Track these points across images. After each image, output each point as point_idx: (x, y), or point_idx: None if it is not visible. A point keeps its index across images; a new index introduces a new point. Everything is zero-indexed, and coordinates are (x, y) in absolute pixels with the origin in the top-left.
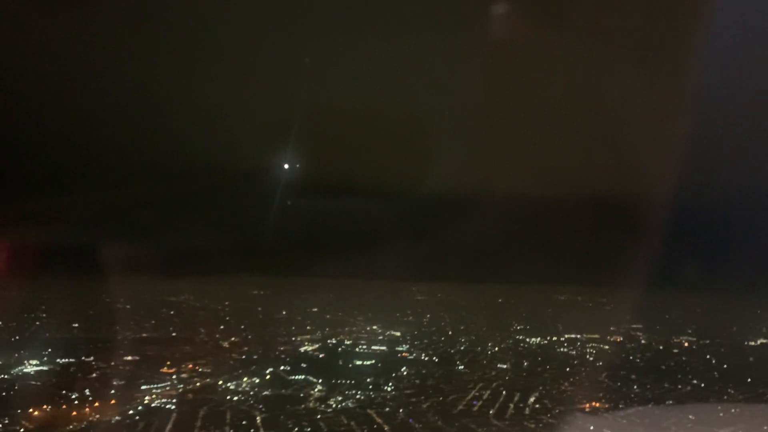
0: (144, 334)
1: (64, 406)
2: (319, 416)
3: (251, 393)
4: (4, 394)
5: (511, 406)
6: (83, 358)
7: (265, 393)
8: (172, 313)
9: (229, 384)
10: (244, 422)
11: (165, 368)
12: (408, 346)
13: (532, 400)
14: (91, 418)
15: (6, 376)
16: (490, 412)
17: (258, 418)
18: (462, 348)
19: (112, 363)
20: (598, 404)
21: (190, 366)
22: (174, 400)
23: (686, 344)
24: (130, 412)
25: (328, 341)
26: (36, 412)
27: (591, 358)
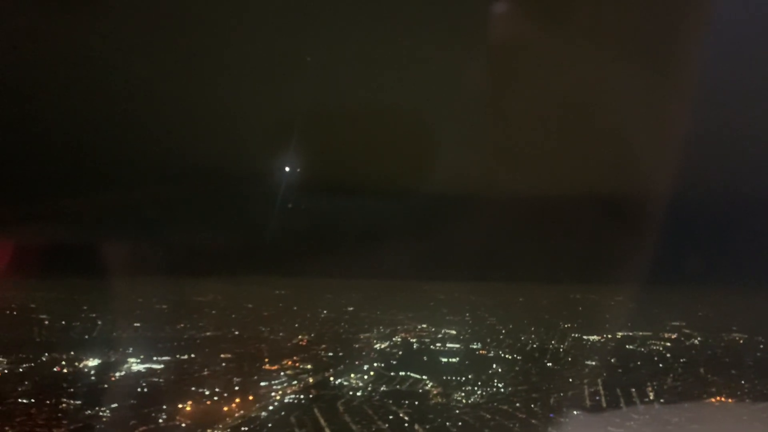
0: (208, 333)
1: (207, 402)
2: (457, 412)
3: (368, 389)
4: (139, 390)
5: (637, 401)
6: (177, 356)
7: (383, 389)
8: (213, 312)
9: (340, 380)
10: (390, 417)
11: (267, 365)
12: (480, 344)
13: (652, 396)
14: (237, 414)
15: (123, 374)
16: (621, 407)
17: (400, 413)
18: (535, 346)
19: (213, 361)
20: (722, 398)
21: (289, 363)
22: (302, 396)
23: (741, 341)
24: (270, 408)
25: (394, 339)
26: (187, 408)
27: (668, 354)
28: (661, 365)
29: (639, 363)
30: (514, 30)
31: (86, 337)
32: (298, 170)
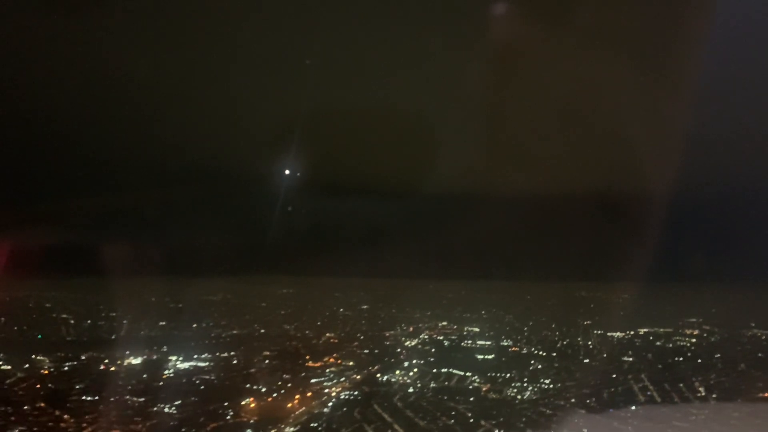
0: (235, 331)
1: (268, 399)
2: (517, 407)
3: (418, 385)
4: (195, 388)
5: (690, 396)
6: (217, 354)
7: (433, 385)
8: (231, 311)
9: (386, 377)
10: (452, 413)
11: (310, 362)
12: (509, 342)
13: (702, 391)
14: (300, 411)
15: (173, 372)
16: (675, 401)
17: (460, 407)
18: (565, 342)
19: (256, 359)
20: None
21: (331, 360)
22: (356, 392)
23: (763, 337)
24: (330, 404)
25: (421, 336)
26: (251, 405)
27: (699, 350)
28: (699, 361)
29: (676, 359)
30: (514, 31)
31: (116, 335)
32: (300, 172)
